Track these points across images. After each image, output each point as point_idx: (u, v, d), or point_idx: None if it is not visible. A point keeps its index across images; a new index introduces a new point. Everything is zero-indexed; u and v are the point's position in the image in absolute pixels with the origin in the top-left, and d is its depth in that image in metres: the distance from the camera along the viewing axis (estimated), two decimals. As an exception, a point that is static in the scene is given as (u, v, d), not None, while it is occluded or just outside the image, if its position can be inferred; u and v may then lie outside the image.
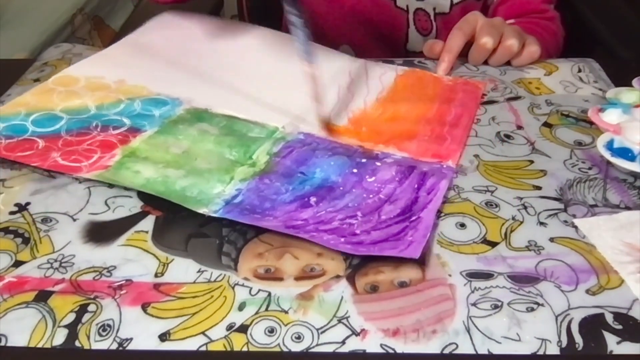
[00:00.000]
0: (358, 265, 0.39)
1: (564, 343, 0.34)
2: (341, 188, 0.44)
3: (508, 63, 0.64)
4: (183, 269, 0.38)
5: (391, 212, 0.42)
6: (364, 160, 0.47)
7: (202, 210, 0.41)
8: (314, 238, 0.39)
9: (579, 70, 0.63)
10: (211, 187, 0.43)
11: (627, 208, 0.44)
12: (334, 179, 0.45)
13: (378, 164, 0.47)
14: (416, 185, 0.45)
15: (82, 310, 0.35)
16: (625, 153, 0.48)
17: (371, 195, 0.44)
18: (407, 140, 0.51)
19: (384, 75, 0.61)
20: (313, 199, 0.43)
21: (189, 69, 0.59)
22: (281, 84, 0.57)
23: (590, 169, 0.48)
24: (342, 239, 0.40)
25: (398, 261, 0.39)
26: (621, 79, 0.60)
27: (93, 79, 0.56)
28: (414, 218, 0.42)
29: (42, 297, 0.36)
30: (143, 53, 0.61)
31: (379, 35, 0.74)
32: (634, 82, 0.58)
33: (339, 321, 0.35)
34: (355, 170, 0.46)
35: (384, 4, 0.73)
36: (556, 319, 0.35)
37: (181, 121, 0.51)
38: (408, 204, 0.43)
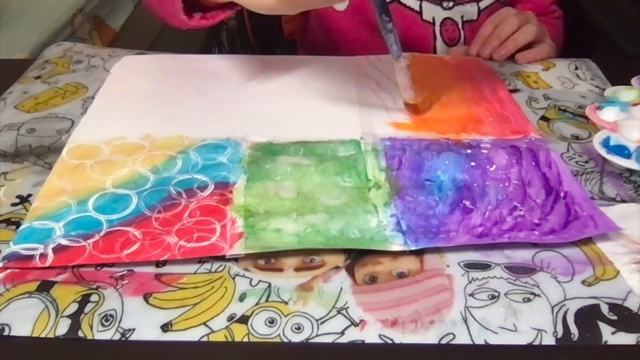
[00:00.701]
0: (357, 256, 0.39)
1: (560, 333, 0.35)
2: (475, 184, 0.45)
3: (510, 58, 0.65)
4: (184, 260, 0.39)
5: (538, 194, 0.44)
6: (468, 151, 0.48)
7: (393, 247, 0.39)
8: (512, 239, 0.40)
9: (576, 68, 0.63)
10: (365, 221, 0.41)
11: (623, 201, 0.44)
12: (461, 177, 0.45)
13: (484, 151, 0.48)
14: (533, 163, 0.46)
15: (84, 300, 0.36)
16: (622, 150, 0.48)
17: (506, 184, 0.45)
18: (478, 124, 0.52)
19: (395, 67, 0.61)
20: (467, 202, 0.43)
21: (207, 106, 0.55)
22: (308, 99, 0.56)
23: (587, 162, 0.49)
24: (535, 232, 0.40)
25: (396, 252, 0.39)
26: (621, 78, 0.60)
27: (115, 142, 0.49)
28: (562, 194, 0.43)
29: (45, 287, 0.37)
30: (138, 100, 0.55)
31: (407, 49, 0.74)
32: (633, 80, 0.59)
33: (338, 312, 0.36)
34: (473, 164, 0.47)
35: (410, 18, 0.72)
36: (552, 310, 0.36)
37: (258, 160, 0.47)
38: (544, 183, 0.45)
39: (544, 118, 0.55)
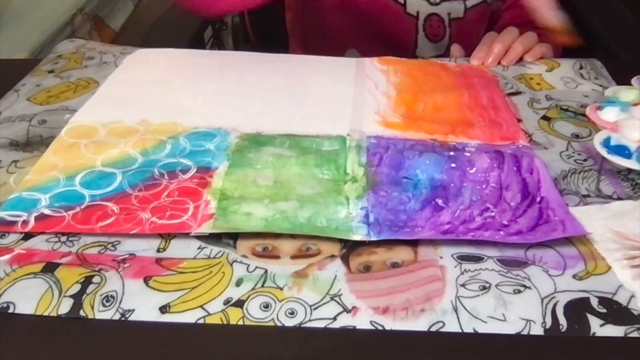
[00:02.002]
0: (353, 245, 0.40)
1: (548, 324, 0.35)
2: (452, 185, 0.45)
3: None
4: (184, 245, 0.40)
5: (514, 198, 0.44)
6: (451, 153, 0.49)
7: (354, 237, 0.40)
8: (476, 237, 0.40)
9: (581, 67, 0.64)
10: (334, 211, 0.42)
11: (619, 199, 0.45)
12: (439, 177, 0.46)
13: (467, 154, 0.49)
14: (515, 168, 0.47)
15: (87, 281, 0.37)
16: (622, 150, 0.48)
17: (484, 186, 0.45)
18: (469, 128, 0.53)
19: (385, 70, 0.62)
20: (439, 201, 0.44)
21: (206, 98, 0.57)
22: (303, 96, 0.57)
23: (585, 160, 0.49)
24: (501, 232, 0.41)
25: (391, 243, 0.40)
26: (621, 78, 0.61)
27: (112, 125, 0.51)
28: (538, 199, 0.44)
29: (50, 268, 0.38)
30: (142, 89, 0.58)
31: (388, 41, 0.75)
32: (634, 80, 0.59)
33: (332, 298, 0.37)
34: (453, 165, 0.47)
35: (394, 10, 0.73)
36: (542, 301, 0.36)
37: (243, 149, 0.49)
38: (521, 187, 0.45)
39: (545, 117, 0.55)
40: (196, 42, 0.80)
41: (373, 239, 0.40)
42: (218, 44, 0.93)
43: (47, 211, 0.42)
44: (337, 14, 0.76)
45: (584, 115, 0.55)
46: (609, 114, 0.53)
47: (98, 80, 0.60)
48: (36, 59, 0.67)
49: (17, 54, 0.95)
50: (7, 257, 0.39)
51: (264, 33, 0.87)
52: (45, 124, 0.52)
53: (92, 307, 0.36)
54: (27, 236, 0.40)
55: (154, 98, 0.56)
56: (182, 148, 0.49)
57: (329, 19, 0.76)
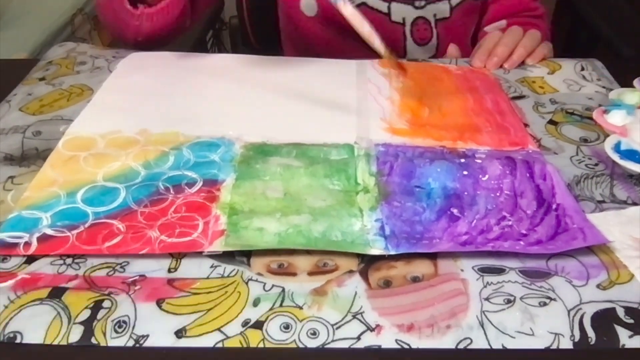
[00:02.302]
0: (370, 259, 0.39)
1: (577, 337, 0.34)
2: (466, 193, 0.44)
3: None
4: (196, 264, 0.39)
5: (529, 205, 0.43)
6: (462, 160, 0.48)
7: (372, 251, 0.39)
8: (496, 248, 0.39)
9: (582, 69, 0.63)
10: (349, 224, 0.41)
11: (634, 204, 0.44)
12: (452, 185, 0.45)
13: (478, 161, 0.47)
14: (527, 175, 0.46)
15: (97, 306, 0.35)
16: (633, 155, 0.48)
17: (498, 194, 0.44)
18: (476, 133, 0.52)
19: (387, 73, 0.61)
20: (455, 210, 0.43)
21: (205, 104, 0.55)
22: (306, 101, 0.56)
23: (596, 165, 0.49)
24: (521, 242, 0.40)
25: (410, 255, 0.39)
26: (621, 78, 0.61)
27: (111, 135, 0.49)
28: (554, 206, 0.43)
29: (56, 293, 0.36)
30: (139, 96, 0.55)
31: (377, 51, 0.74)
32: (636, 82, 0.59)
33: (354, 317, 0.35)
34: (465, 173, 0.46)
35: (378, 20, 0.72)
36: (568, 314, 0.36)
37: (249, 160, 0.47)
38: (536, 195, 0.44)
39: (551, 122, 0.55)
40: (197, 42, 0.78)
41: (392, 253, 0.39)
42: (218, 44, 0.92)
43: (49, 231, 0.40)
44: (321, 29, 0.74)
45: (590, 118, 0.55)
46: (615, 118, 0.53)
47: (92, 86, 0.57)
48: (36, 59, 0.65)
49: (17, 54, 0.94)
50: (10, 282, 0.37)
51: (263, 34, 0.86)
52: (40, 136, 0.50)
53: (104, 334, 0.34)
54: (30, 259, 0.38)
55: (152, 105, 0.54)
56: (185, 159, 0.47)
57: (315, 35, 0.75)
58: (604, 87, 0.60)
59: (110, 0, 0.60)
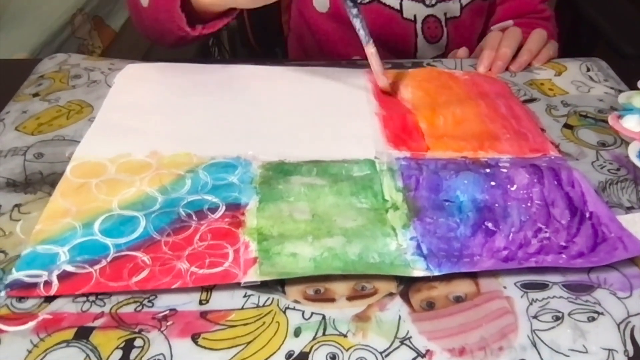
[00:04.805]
0: (409, 281, 0.38)
1: (631, 352, 0.34)
2: (497, 205, 0.43)
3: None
4: (228, 295, 0.36)
5: (563, 215, 0.42)
6: (487, 170, 0.46)
7: (415, 273, 0.37)
8: (540, 263, 0.38)
9: (588, 70, 0.63)
10: (384, 244, 0.40)
11: (663, 209, 0.44)
12: (481, 197, 0.44)
13: (504, 170, 0.46)
14: (555, 182, 0.45)
15: (128, 345, 0.33)
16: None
17: (529, 204, 0.43)
18: (496, 141, 0.51)
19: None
20: (489, 224, 0.41)
21: (215, 121, 0.52)
22: (319, 114, 0.54)
23: (618, 170, 0.48)
24: (563, 255, 0.39)
25: (449, 274, 0.38)
26: (622, 77, 0.61)
27: (121, 160, 0.46)
28: (588, 215, 0.42)
29: (83, 333, 0.34)
30: (144, 114, 0.52)
31: (388, 47, 0.73)
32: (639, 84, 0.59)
33: (402, 342, 0.34)
34: (493, 183, 0.45)
35: (390, 17, 0.71)
36: (618, 327, 0.35)
37: (270, 181, 0.45)
38: (568, 203, 0.43)
39: (567, 125, 0.54)
40: (197, 42, 0.75)
41: (435, 274, 0.37)
42: (218, 44, 0.89)
43: (69, 267, 0.37)
44: (333, 27, 0.73)
45: (604, 121, 0.55)
46: (631, 123, 0.53)
47: (91, 102, 0.54)
48: (36, 59, 0.62)
49: (17, 54, 0.91)
50: (32, 324, 0.34)
51: (263, 35, 0.83)
52: (42, 158, 0.47)
53: (140, 376, 0.32)
54: (50, 297, 0.35)
55: (159, 123, 0.51)
56: (203, 183, 0.44)
57: (327, 32, 0.74)
58: (612, 87, 0.60)
59: (157, 11, 0.56)
